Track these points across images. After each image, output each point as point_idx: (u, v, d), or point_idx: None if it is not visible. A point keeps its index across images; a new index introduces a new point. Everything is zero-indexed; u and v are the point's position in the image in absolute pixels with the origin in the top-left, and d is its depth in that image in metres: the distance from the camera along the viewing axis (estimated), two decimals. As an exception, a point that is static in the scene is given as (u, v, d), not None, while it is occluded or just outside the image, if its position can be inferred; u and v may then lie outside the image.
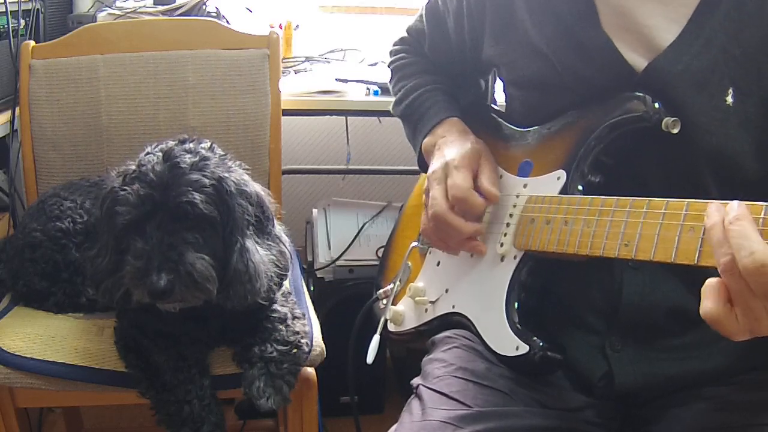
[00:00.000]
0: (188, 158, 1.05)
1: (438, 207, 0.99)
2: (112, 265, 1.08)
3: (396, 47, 1.27)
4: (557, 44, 0.93)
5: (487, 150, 1.04)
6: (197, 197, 1.02)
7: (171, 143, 1.09)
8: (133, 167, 1.06)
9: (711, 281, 0.63)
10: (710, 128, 0.84)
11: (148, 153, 1.08)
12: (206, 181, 1.04)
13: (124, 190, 1.03)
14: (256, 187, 1.13)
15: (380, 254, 1.69)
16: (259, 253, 1.08)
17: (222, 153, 1.13)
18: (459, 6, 1.07)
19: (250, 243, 1.07)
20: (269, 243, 1.13)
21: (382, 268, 1.30)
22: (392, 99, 1.25)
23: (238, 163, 1.15)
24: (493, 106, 1.17)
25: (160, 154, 1.06)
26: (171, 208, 1.02)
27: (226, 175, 1.07)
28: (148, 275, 0.99)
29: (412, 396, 0.99)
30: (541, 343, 0.87)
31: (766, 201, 0.63)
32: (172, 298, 1.01)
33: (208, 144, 1.12)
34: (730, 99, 0.83)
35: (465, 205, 0.98)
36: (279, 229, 1.18)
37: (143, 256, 1.01)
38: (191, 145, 1.09)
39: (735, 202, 0.63)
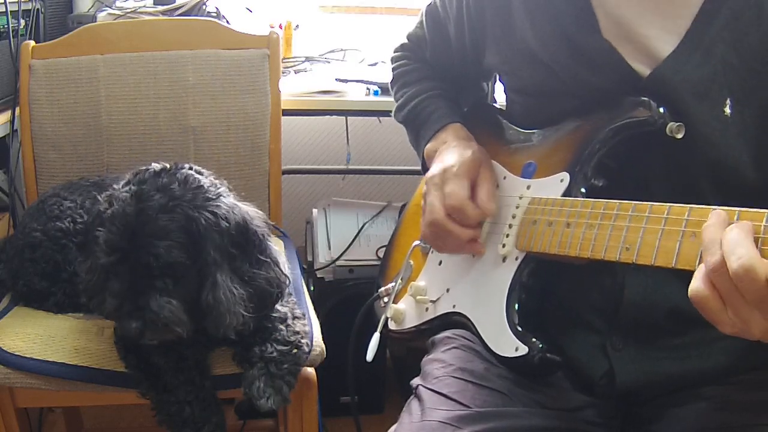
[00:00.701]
0: (157, 199, 1.04)
1: (435, 214, 0.99)
2: (99, 282, 1.09)
3: (396, 54, 1.27)
4: (558, 52, 0.93)
5: (487, 159, 1.03)
6: (160, 248, 1.02)
7: (149, 173, 1.08)
8: (117, 193, 1.06)
9: (702, 266, 0.64)
10: (711, 138, 0.84)
11: (128, 182, 1.08)
12: (174, 225, 1.04)
13: (100, 231, 1.05)
14: (240, 214, 1.11)
15: (380, 254, 1.69)
16: (230, 290, 1.07)
17: (199, 183, 1.09)
18: (459, 13, 1.07)
19: (221, 278, 1.07)
20: (255, 271, 1.11)
21: (383, 266, 1.29)
22: (392, 99, 1.25)
23: (221, 188, 1.12)
24: (497, 106, 1.17)
25: (135, 188, 1.05)
26: (138, 256, 1.03)
27: (197, 214, 1.05)
28: (121, 318, 1.04)
29: (412, 396, 0.99)
30: (540, 345, 0.87)
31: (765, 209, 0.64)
32: (144, 339, 1.06)
33: (184, 175, 1.09)
34: (728, 109, 0.83)
35: (460, 214, 0.98)
36: (274, 249, 1.17)
37: (118, 296, 1.04)
38: (166, 179, 1.07)
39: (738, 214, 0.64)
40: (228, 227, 1.08)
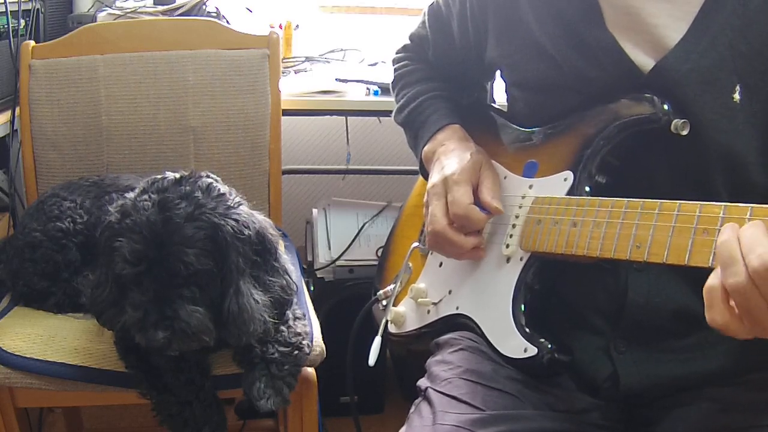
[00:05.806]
0: (183, 207, 1.04)
1: (437, 224, 0.99)
2: (113, 296, 1.09)
3: (398, 55, 1.26)
4: (561, 44, 0.92)
5: (487, 159, 1.03)
6: (191, 256, 1.02)
7: (168, 181, 1.07)
8: (130, 202, 1.05)
9: (712, 288, 0.64)
10: (719, 126, 0.84)
11: (144, 191, 1.06)
12: (201, 234, 1.03)
13: (120, 241, 1.03)
14: (257, 222, 1.12)
15: (380, 254, 1.69)
16: (254, 297, 1.08)
17: (221, 191, 1.10)
18: (462, 8, 1.07)
19: (244, 286, 1.07)
20: (271, 279, 1.12)
21: (380, 268, 1.29)
22: (392, 99, 1.24)
23: (237, 200, 1.12)
24: (495, 106, 1.17)
25: (156, 197, 1.04)
26: (166, 265, 1.02)
27: (223, 222, 1.05)
28: (146, 329, 1.02)
29: (420, 399, 0.99)
30: (549, 345, 0.87)
31: None
32: (169, 350, 1.05)
33: (206, 183, 1.09)
34: (737, 96, 0.83)
35: (466, 221, 0.97)
36: (284, 258, 1.18)
37: (141, 307, 1.03)
38: (188, 187, 1.07)
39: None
40: (249, 235, 1.08)
